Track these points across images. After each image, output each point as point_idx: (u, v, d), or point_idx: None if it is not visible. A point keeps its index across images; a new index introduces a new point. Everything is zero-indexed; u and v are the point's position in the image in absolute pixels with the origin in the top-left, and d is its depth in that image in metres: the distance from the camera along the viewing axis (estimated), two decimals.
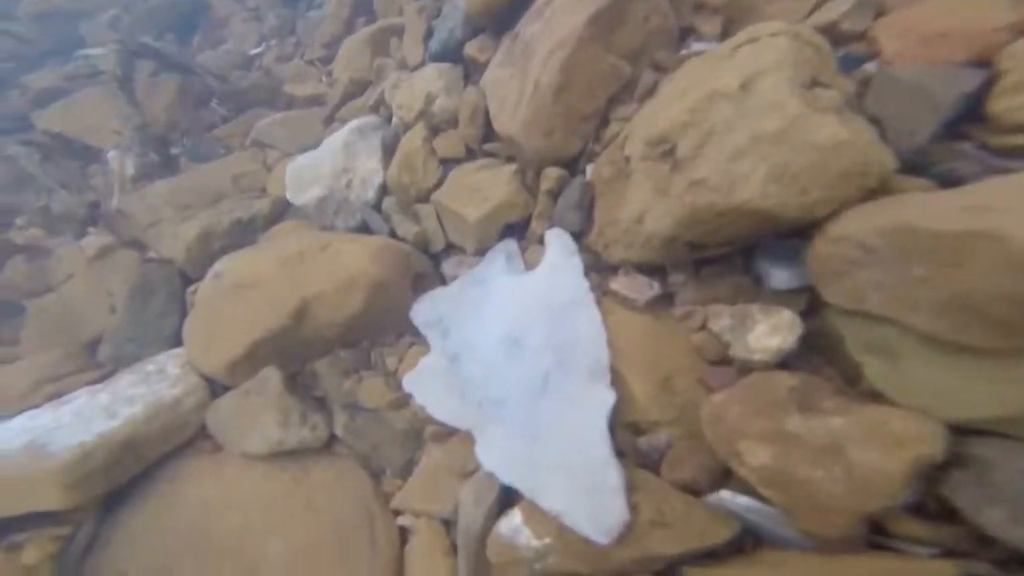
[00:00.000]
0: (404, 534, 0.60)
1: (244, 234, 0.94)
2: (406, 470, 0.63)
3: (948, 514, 0.37)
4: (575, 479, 0.48)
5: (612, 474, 0.47)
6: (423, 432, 0.63)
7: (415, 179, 0.88)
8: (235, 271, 0.74)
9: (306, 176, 0.92)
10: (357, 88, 1.19)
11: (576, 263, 0.61)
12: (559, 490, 0.48)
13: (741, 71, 0.48)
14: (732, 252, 0.52)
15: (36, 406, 0.73)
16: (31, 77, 1.70)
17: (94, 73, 1.58)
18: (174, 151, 1.27)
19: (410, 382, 0.63)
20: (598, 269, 0.62)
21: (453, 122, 0.91)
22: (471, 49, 0.94)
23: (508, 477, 0.52)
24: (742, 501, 0.44)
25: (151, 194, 1.05)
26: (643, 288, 0.57)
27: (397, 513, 0.61)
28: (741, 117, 0.45)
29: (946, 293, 0.34)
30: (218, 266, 0.78)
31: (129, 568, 0.57)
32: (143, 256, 0.99)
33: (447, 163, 0.89)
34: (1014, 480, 0.34)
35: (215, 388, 0.70)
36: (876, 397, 0.40)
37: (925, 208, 0.37)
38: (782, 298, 0.49)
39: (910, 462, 0.35)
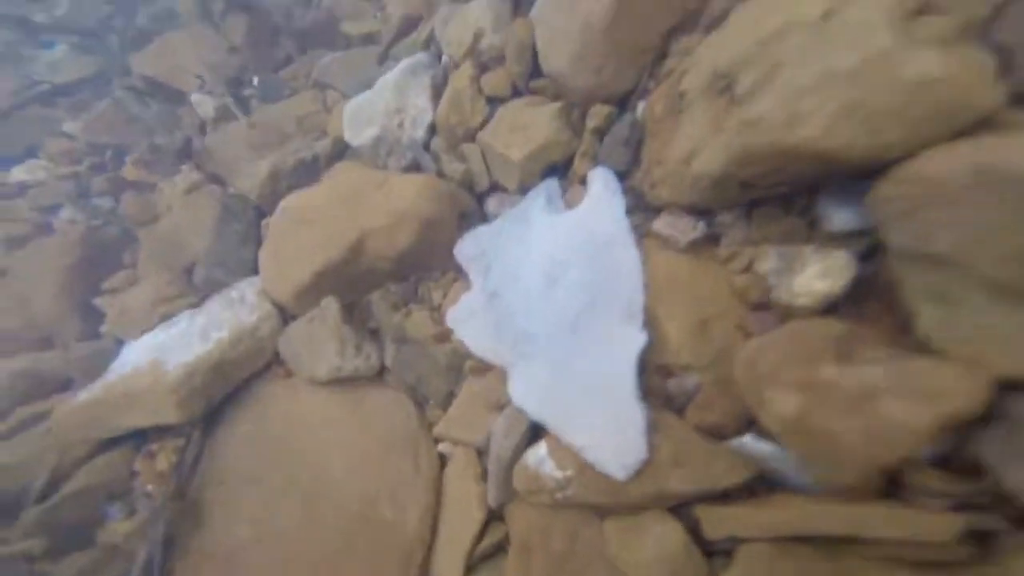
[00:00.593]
0: (443, 459, 0.65)
1: (308, 173, 0.98)
2: (447, 401, 0.67)
3: (971, 469, 0.35)
4: (599, 416, 0.49)
5: (635, 414, 0.47)
6: (463, 366, 0.66)
7: (463, 118, 0.86)
8: (300, 207, 0.78)
9: (362, 116, 0.93)
10: (409, 24, 1.15)
11: (618, 202, 0.60)
12: (583, 426, 0.50)
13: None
14: (791, 193, 0.48)
15: (151, 328, 0.84)
16: (123, 19, 1.78)
17: (173, 15, 1.63)
18: (246, 92, 1.31)
19: (451, 317, 0.66)
20: (643, 209, 0.60)
21: (501, 59, 0.88)
22: None
23: (535, 412, 0.54)
24: (763, 447, 0.44)
25: (229, 135, 1.11)
26: (687, 228, 0.54)
27: (438, 440, 0.66)
28: (817, 49, 0.40)
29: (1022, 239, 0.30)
30: (285, 202, 0.82)
31: (228, 476, 0.66)
32: (226, 190, 1.07)
33: (494, 101, 0.86)
34: None
35: (286, 315, 0.76)
36: (924, 348, 0.37)
37: (1015, 150, 0.32)
38: (839, 240, 0.45)
39: (942, 417, 0.33)
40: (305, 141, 1.06)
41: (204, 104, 1.20)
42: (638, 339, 0.51)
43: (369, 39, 1.35)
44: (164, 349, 0.70)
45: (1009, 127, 0.35)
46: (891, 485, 0.38)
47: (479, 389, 0.64)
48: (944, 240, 0.34)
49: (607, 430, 0.48)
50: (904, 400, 0.34)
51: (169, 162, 1.21)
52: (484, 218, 0.76)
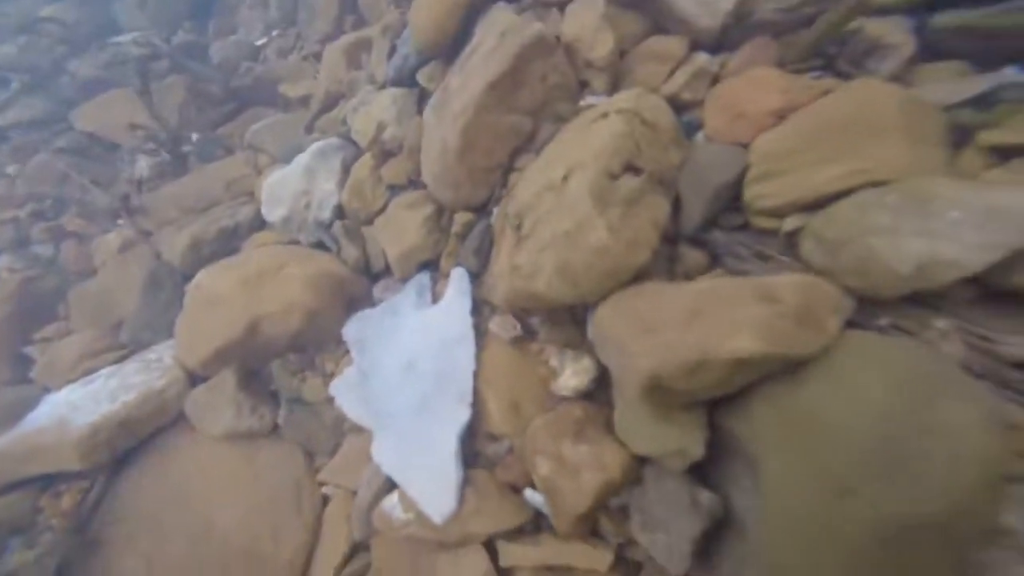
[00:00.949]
0: (326, 501, 0.77)
1: (229, 241, 1.09)
2: (333, 452, 0.80)
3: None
4: (427, 475, 0.63)
5: (451, 475, 0.62)
6: (343, 425, 0.78)
7: (364, 204, 1.00)
8: (208, 286, 0.90)
9: (275, 195, 1.05)
10: (332, 100, 1.28)
11: (466, 303, 0.74)
12: (417, 481, 0.64)
13: (569, 161, 0.58)
14: (570, 308, 0.64)
15: (74, 380, 0.92)
16: (77, 64, 1.82)
17: (127, 60, 1.70)
18: (185, 149, 1.41)
19: (334, 387, 0.78)
20: (489, 305, 0.74)
21: (399, 150, 1.01)
22: (423, 77, 1.03)
23: (388, 470, 0.68)
24: (537, 498, 0.59)
25: (161, 195, 1.20)
26: (509, 328, 0.69)
27: (322, 484, 0.78)
28: (556, 211, 0.55)
29: (626, 376, 0.46)
30: (198, 278, 0.94)
31: (128, 515, 0.77)
32: (156, 252, 1.16)
33: (393, 188, 1.00)
34: (651, 499, 0.47)
35: (195, 379, 0.87)
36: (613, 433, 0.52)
37: (628, 317, 0.48)
38: (591, 345, 0.60)
39: (604, 481, 0.49)
40: (231, 206, 1.17)
41: (140, 162, 1.29)
42: (463, 417, 0.65)
43: (304, 102, 1.47)
44: (74, 407, 0.81)
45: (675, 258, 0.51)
46: (596, 527, 0.53)
47: (357, 443, 0.77)
48: (612, 364, 0.50)
49: (431, 485, 0.62)
50: (590, 471, 0.49)
51: (106, 216, 1.30)
52: (372, 302, 0.89)
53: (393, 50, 1.13)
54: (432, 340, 0.72)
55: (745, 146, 0.57)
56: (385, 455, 0.69)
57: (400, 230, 0.85)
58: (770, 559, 0.39)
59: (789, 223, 0.52)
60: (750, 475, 0.42)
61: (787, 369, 0.41)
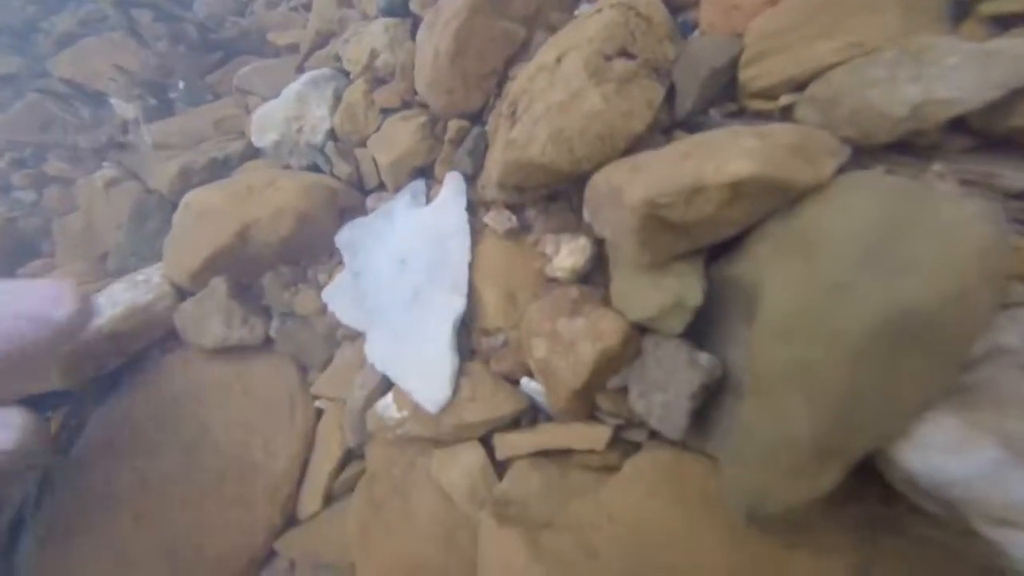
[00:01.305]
0: (320, 414, 0.76)
1: (219, 171, 1.06)
2: (326, 365, 0.78)
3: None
4: (422, 366, 0.62)
5: (445, 364, 0.60)
6: (337, 334, 0.77)
7: (357, 127, 0.98)
8: (198, 202, 0.87)
9: (266, 122, 1.03)
10: (322, 39, 1.25)
11: (461, 201, 0.72)
12: (412, 374, 0.62)
13: (563, 45, 0.56)
14: (567, 192, 0.62)
15: None
16: (53, 20, 1.77)
17: (102, 19, 1.65)
18: (172, 95, 1.37)
19: (326, 293, 0.77)
20: (484, 205, 0.73)
21: (394, 76, 0.99)
22: (415, 4, 1.01)
23: (382, 366, 0.66)
24: (533, 386, 0.57)
25: (146, 135, 1.17)
26: (503, 221, 0.68)
27: (316, 398, 0.77)
28: (549, 88, 0.54)
29: (620, 226, 0.45)
30: (187, 197, 0.91)
31: (115, 434, 0.75)
32: (143, 186, 1.13)
33: (386, 112, 0.98)
34: (649, 365, 0.46)
35: (184, 294, 0.85)
36: (611, 305, 0.51)
37: (621, 167, 0.46)
38: (589, 228, 0.59)
39: (599, 352, 0.47)
40: (220, 142, 1.14)
41: (124, 107, 1.25)
42: (458, 306, 0.63)
43: (293, 49, 1.44)
44: None
45: (651, 145, 0.50)
46: (595, 410, 0.51)
47: (350, 353, 0.76)
48: (607, 229, 0.49)
49: (427, 376, 0.61)
50: (586, 341, 0.48)
51: (90, 160, 1.26)
52: (365, 212, 0.87)
53: None
54: (426, 236, 0.70)
55: (740, 36, 0.56)
56: (378, 352, 0.67)
57: (393, 140, 0.83)
58: (757, 368, 0.38)
59: (784, 100, 0.51)
60: (746, 316, 0.40)
61: (784, 202, 0.39)
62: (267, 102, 1.13)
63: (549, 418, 0.58)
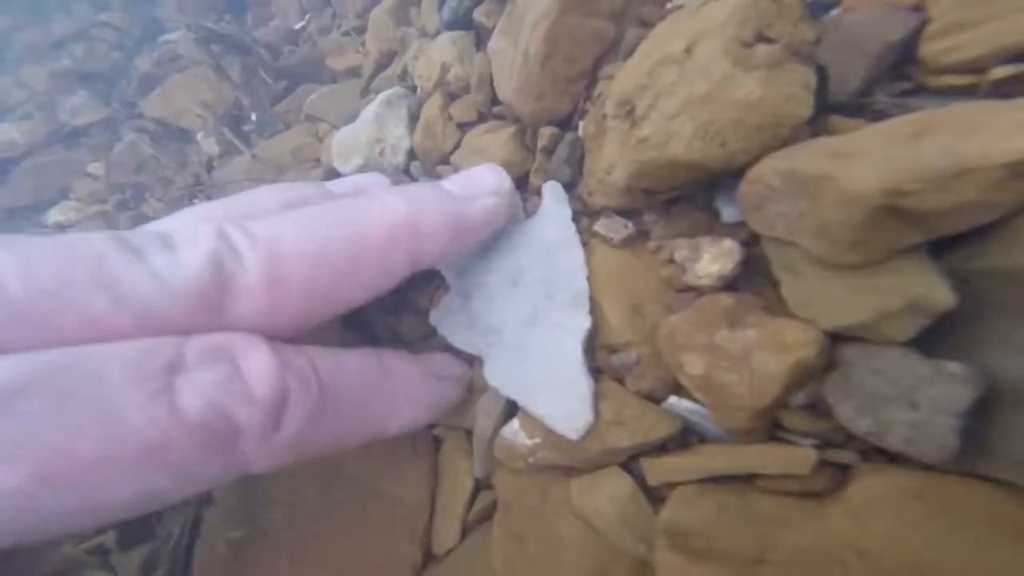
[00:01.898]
0: (438, 442, 0.73)
1: None
2: None
3: (828, 411, 0.42)
4: (554, 390, 0.57)
5: (581, 386, 0.55)
6: None
7: (436, 144, 0.95)
8: None
9: (347, 148, 1.02)
10: (386, 59, 1.24)
11: (566, 211, 0.67)
12: (543, 399, 0.58)
13: (689, 34, 0.50)
14: (692, 193, 0.56)
15: None
16: (133, 64, 1.86)
17: (175, 58, 1.72)
18: (246, 128, 1.40)
19: (434, 317, 0.74)
20: (587, 214, 0.68)
21: (467, 89, 0.96)
22: (480, 15, 0.97)
23: (507, 391, 0.62)
24: (685, 404, 0.52)
25: (233, 169, 1.19)
26: (619, 228, 0.62)
27: (432, 426, 0.74)
28: (682, 80, 0.48)
29: (816, 221, 0.38)
30: None
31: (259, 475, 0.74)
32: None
33: (463, 126, 0.95)
34: (864, 378, 0.38)
35: None
36: (785, 312, 0.45)
37: (810, 152, 0.40)
38: (730, 230, 0.53)
39: (790, 365, 0.41)
40: (301, 171, 1.15)
41: (209, 142, 1.28)
42: (584, 323, 0.58)
43: (353, 72, 1.44)
44: None
45: (836, 132, 0.43)
46: (777, 429, 0.45)
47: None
48: (780, 226, 0.42)
49: (561, 400, 0.56)
50: (767, 353, 0.42)
51: (183, 198, 1.30)
52: None
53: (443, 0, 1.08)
54: (535, 250, 0.65)
55: (906, 8, 0.48)
56: (500, 376, 0.63)
57: (483, 154, 0.79)
58: None
59: (999, 72, 0.43)
60: None
61: None
62: (343, 127, 1.12)
63: (703, 438, 0.53)
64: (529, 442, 0.59)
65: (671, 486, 0.51)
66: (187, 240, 0.43)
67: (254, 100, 1.40)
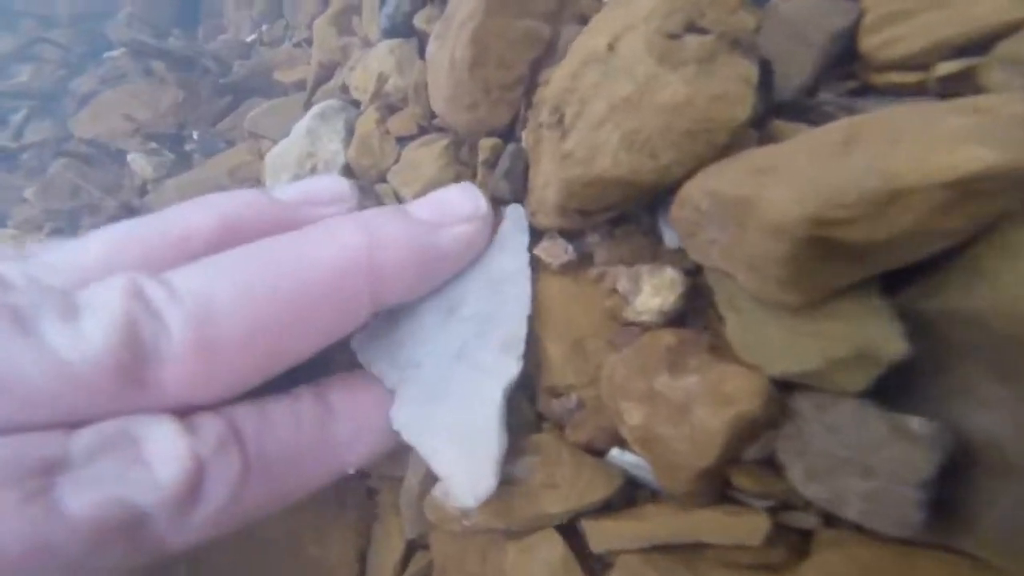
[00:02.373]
0: (372, 493, 0.64)
1: None
2: None
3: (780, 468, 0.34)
4: (461, 443, 0.46)
5: (491, 442, 0.45)
6: None
7: (373, 160, 0.86)
8: None
9: (279, 164, 0.93)
10: (327, 71, 1.15)
11: (522, 240, 0.57)
12: (446, 453, 0.47)
13: (614, 27, 0.42)
14: (636, 213, 0.48)
15: None
16: (77, 82, 1.75)
17: (121, 75, 1.61)
18: (188, 147, 1.30)
19: (356, 341, 0.63)
20: (532, 236, 0.59)
21: (407, 100, 0.87)
22: (419, 21, 0.88)
23: (409, 437, 0.50)
24: (628, 458, 0.43)
25: (165, 190, 1.09)
26: (559, 252, 0.54)
27: (364, 476, 0.64)
28: (605, 81, 0.40)
29: (744, 252, 0.31)
30: None
31: None
32: None
33: (402, 140, 0.86)
34: (816, 435, 0.31)
35: None
36: (730, 354, 0.37)
37: (736, 168, 0.32)
38: (673, 257, 0.45)
39: (730, 419, 0.33)
40: None
41: (141, 163, 1.18)
42: (511, 369, 0.49)
43: (301, 85, 1.34)
44: None
45: (766, 140, 0.36)
46: (728, 488, 0.37)
47: None
48: (715, 255, 0.34)
49: (466, 456, 0.46)
50: (708, 405, 0.34)
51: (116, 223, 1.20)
52: None
53: (383, 2, 1.00)
54: (480, 279, 0.56)
55: None
56: (407, 418, 0.51)
57: (415, 170, 0.71)
58: None
59: (944, 68, 0.36)
60: (997, 368, 0.26)
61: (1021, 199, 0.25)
62: (278, 143, 1.04)
63: (653, 493, 0.45)
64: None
65: (613, 554, 0.43)
66: (93, 304, 0.36)
67: (197, 118, 1.30)
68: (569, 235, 0.55)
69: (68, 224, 1.31)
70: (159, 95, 1.30)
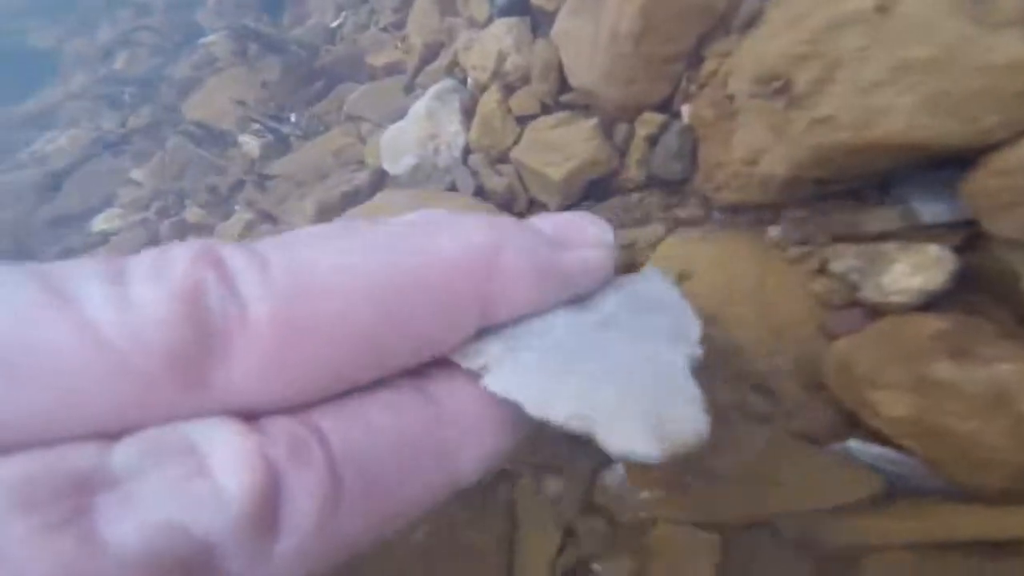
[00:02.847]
0: (512, 479, 0.59)
1: (352, 204, 0.94)
2: None
3: None
4: (641, 397, 0.32)
5: (686, 387, 0.30)
6: None
7: (495, 140, 0.81)
8: None
9: (398, 146, 0.88)
10: (431, 52, 1.09)
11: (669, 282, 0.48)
12: (622, 408, 0.36)
13: None
14: (863, 187, 0.42)
15: None
16: (173, 69, 1.75)
17: (212, 60, 1.59)
18: (285, 131, 1.27)
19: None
20: (710, 214, 0.53)
21: (526, 79, 0.81)
22: None
23: (555, 406, 0.38)
24: (874, 451, 0.38)
25: (282, 171, 1.07)
26: (752, 231, 0.48)
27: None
28: (880, 43, 0.33)
29: None
30: None
31: None
32: (277, 228, 1.03)
33: (523, 120, 0.80)
34: None
35: None
36: None
37: None
38: (929, 233, 0.39)
39: None
40: (344, 174, 1.02)
41: (250, 144, 1.16)
42: (689, 349, 0.41)
43: (392, 68, 1.29)
44: None
45: None
46: None
47: None
48: None
49: (651, 407, 0.32)
50: None
51: (225, 203, 1.18)
52: None
53: None
54: (626, 298, 0.49)
55: None
56: (525, 382, 0.39)
57: (561, 148, 0.65)
58: None
59: None
60: None
61: None
62: (389, 126, 0.99)
63: (908, 488, 0.39)
64: (647, 494, 0.45)
65: (867, 550, 0.38)
66: (148, 268, 0.25)
67: (294, 101, 1.27)
68: (759, 212, 0.49)
69: (175, 204, 1.31)
70: (259, 79, 1.27)
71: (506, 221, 0.41)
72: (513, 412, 0.29)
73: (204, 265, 0.26)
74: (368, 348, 0.29)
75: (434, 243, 0.34)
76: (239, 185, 1.12)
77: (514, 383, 0.27)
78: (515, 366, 0.29)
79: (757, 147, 0.42)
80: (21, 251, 1.44)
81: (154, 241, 1.27)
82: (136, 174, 1.47)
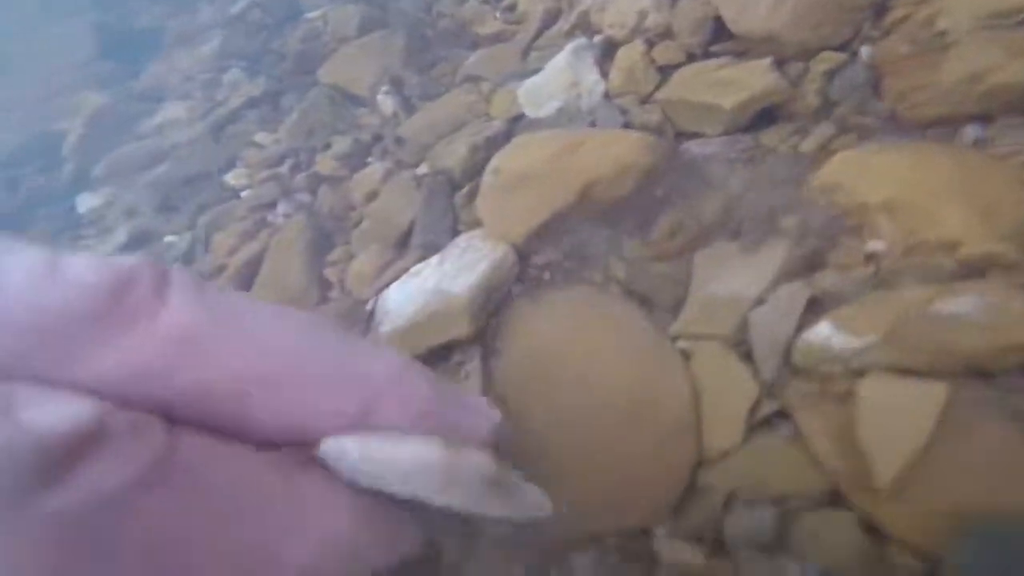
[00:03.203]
0: (686, 356, 0.62)
1: (493, 148, 1.00)
2: (675, 308, 0.68)
3: None
4: None
5: None
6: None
7: (637, 87, 0.86)
8: (509, 168, 0.80)
9: (541, 94, 0.94)
10: (550, 17, 1.14)
11: None
12: None
13: None
14: None
15: (384, 285, 0.89)
16: (279, 43, 1.81)
17: (318, 34, 1.65)
18: (407, 92, 1.34)
19: None
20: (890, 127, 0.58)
21: (668, 34, 0.87)
22: None
23: None
24: None
25: (415, 127, 1.14)
26: (962, 135, 0.52)
27: (675, 338, 0.64)
28: None
29: None
30: (494, 163, 0.83)
31: (510, 382, 0.69)
32: (414, 174, 1.10)
33: (665, 69, 0.86)
34: None
35: (519, 253, 0.78)
36: None
37: None
38: None
39: None
40: (479, 124, 1.08)
41: (386, 103, 1.23)
42: None
43: (496, 38, 1.33)
44: (438, 286, 0.75)
45: None
46: None
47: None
48: None
49: None
50: None
51: (357, 157, 1.26)
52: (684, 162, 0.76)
53: None
54: None
55: None
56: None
57: (732, 84, 0.69)
58: None
59: None
60: None
61: None
62: (507, 84, 1.06)
63: None
64: (858, 342, 0.47)
65: None
66: (92, 256, 0.27)
67: (414, 67, 1.33)
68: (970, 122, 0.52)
69: (306, 161, 1.38)
70: (386, 45, 1.33)
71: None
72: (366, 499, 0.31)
73: (149, 265, 0.28)
74: (254, 401, 0.28)
75: (365, 363, 0.33)
76: (376, 140, 1.19)
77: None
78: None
79: (984, 67, 0.47)
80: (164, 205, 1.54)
81: (287, 192, 1.35)
82: (260, 137, 1.55)
